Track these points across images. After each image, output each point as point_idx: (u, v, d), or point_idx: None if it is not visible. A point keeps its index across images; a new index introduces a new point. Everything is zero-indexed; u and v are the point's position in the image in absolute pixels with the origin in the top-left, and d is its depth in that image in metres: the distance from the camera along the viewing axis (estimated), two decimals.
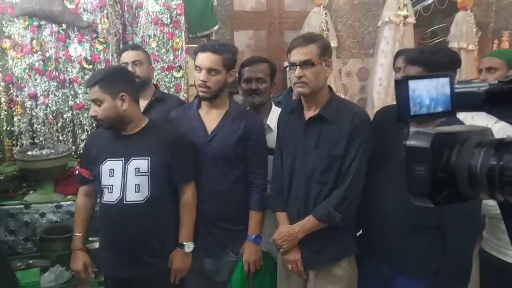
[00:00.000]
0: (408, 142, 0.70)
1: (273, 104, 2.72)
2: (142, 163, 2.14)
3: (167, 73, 3.75)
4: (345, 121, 2.05)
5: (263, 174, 2.34)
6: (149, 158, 2.15)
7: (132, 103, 2.15)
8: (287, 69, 2.13)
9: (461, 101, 0.74)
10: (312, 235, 2.11)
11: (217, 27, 4.51)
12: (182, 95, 3.80)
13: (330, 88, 2.20)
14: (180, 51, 3.78)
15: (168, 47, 3.75)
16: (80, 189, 2.36)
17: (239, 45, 6.05)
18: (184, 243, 2.21)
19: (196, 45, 4.07)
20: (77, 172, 2.60)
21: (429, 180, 0.68)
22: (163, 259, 2.21)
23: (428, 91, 0.73)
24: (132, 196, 2.13)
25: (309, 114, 2.13)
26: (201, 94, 2.28)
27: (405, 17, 4.83)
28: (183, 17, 3.80)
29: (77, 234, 2.30)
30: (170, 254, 2.22)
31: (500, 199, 0.65)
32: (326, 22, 4.78)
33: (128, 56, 2.82)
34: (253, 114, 2.41)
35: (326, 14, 4.85)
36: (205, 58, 2.21)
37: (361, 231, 2.25)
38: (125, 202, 2.13)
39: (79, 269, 2.24)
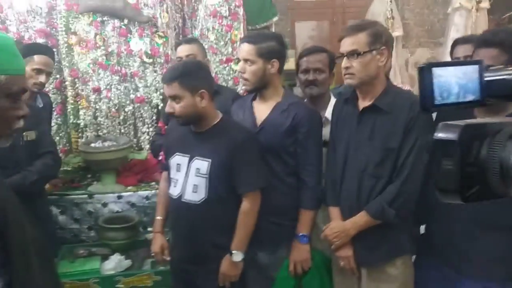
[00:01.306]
0: (435, 135, 0.67)
1: (332, 96, 2.63)
2: (203, 164, 2.10)
3: (226, 65, 3.74)
4: (402, 112, 1.94)
5: (314, 171, 2.19)
6: (210, 160, 2.09)
7: (210, 100, 2.11)
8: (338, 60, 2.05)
9: (492, 89, 0.70)
10: (365, 232, 2.02)
11: (276, 18, 4.45)
12: (240, 88, 3.77)
13: (387, 77, 2.08)
14: (238, 43, 3.75)
15: (226, 39, 3.73)
16: (163, 174, 2.39)
17: (301, 36, 5.99)
18: (233, 252, 2.13)
19: None
20: (160, 157, 2.69)
21: (458, 175, 0.64)
22: (214, 261, 2.15)
23: (456, 79, 0.69)
24: (189, 196, 2.11)
25: (363, 104, 2.03)
26: (243, 87, 2.26)
27: (478, 1, 4.51)
28: (241, 9, 3.77)
29: (157, 217, 2.35)
30: (223, 256, 2.15)
31: None
32: (391, 10, 4.58)
33: (182, 50, 2.83)
34: (304, 106, 2.29)
35: (391, 1, 4.64)
36: (241, 49, 2.20)
37: (423, 229, 2.12)
38: (182, 200, 2.12)
39: (156, 251, 2.30)
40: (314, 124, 2.22)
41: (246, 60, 2.16)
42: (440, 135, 0.66)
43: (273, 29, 4.58)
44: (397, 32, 4.56)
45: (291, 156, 2.21)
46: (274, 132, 2.18)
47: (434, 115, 1.98)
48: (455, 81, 0.69)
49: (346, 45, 1.95)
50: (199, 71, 2.14)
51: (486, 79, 0.69)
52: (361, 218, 2.01)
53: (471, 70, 0.69)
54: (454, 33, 4.65)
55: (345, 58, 1.95)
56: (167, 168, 2.30)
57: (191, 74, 2.07)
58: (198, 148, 2.13)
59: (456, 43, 2.73)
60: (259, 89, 2.22)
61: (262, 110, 2.26)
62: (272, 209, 2.23)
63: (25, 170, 2.44)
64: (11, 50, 1.15)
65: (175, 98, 2.04)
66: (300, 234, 2.20)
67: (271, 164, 2.21)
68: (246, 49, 2.16)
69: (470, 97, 0.70)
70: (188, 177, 2.12)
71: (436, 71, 0.67)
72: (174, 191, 2.17)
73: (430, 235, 2.04)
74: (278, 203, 2.23)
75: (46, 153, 2.58)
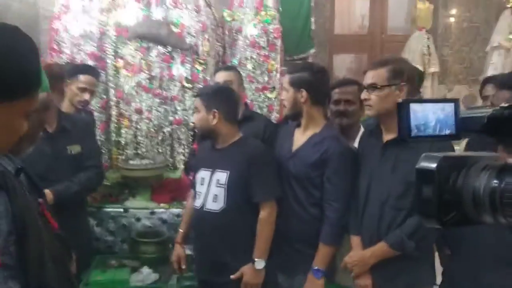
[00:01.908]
0: (417, 166, 0.73)
1: (361, 127, 2.71)
2: (222, 176, 2.28)
3: (261, 93, 3.90)
4: (424, 146, 1.99)
5: (339, 208, 2.20)
6: (228, 171, 2.28)
7: (222, 121, 2.31)
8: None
9: (465, 125, 0.76)
10: (385, 262, 2.05)
11: (313, 50, 4.60)
12: (275, 115, 3.91)
13: None
14: (274, 73, 3.92)
15: (263, 69, 3.90)
16: (191, 192, 2.59)
17: (339, 68, 6.11)
18: (255, 259, 2.25)
19: None
20: (191, 177, 2.85)
21: (436, 201, 0.69)
22: (233, 270, 2.28)
23: (434, 114, 0.76)
24: (210, 205, 2.29)
25: (387, 137, 2.10)
26: (285, 113, 2.40)
27: None
28: (279, 41, 3.94)
29: (180, 230, 2.57)
30: (241, 266, 2.28)
31: (502, 221, 0.65)
32: (428, 46, 4.63)
33: (220, 76, 2.99)
34: (338, 142, 2.29)
35: (428, 38, 4.70)
36: (284, 79, 2.36)
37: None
38: (204, 209, 2.30)
39: (173, 260, 2.51)
40: (345, 161, 2.23)
41: (283, 88, 2.35)
42: (421, 164, 0.72)
43: (310, 60, 4.74)
44: (433, 69, 4.61)
45: (317, 188, 2.26)
46: (302, 162, 2.27)
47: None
48: (432, 116, 0.76)
49: (367, 78, 2.06)
50: (219, 94, 2.39)
51: (461, 116, 0.77)
52: (380, 248, 2.05)
53: (448, 107, 0.77)
54: (492, 71, 4.66)
55: (364, 90, 2.07)
56: (193, 186, 2.46)
57: (211, 94, 2.36)
58: (218, 162, 2.32)
59: (486, 81, 2.77)
60: (293, 116, 2.35)
61: (299, 138, 2.36)
62: (294, 235, 2.32)
63: (68, 181, 2.60)
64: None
65: (195, 109, 2.37)
66: (315, 267, 2.22)
67: (295, 191, 2.29)
68: (284, 78, 2.36)
69: (446, 131, 0.77)
70: (209, 188, 2.29)
71: (413, 106, 0.75)
72: (197, 202, 2.35)
73: (453, 268, 2.06)
74: (299, 230, 2.31)
75: (91, 167, 2.74)
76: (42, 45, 5.10)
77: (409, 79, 2.08)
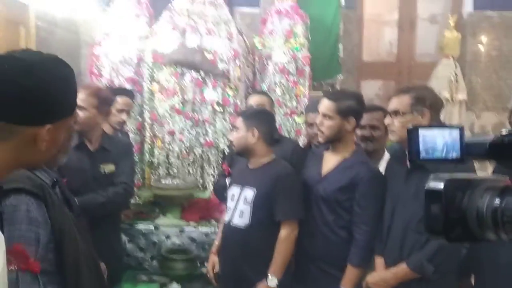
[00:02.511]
0: (426, 186, 0.80)
1: (385, 151, 2.78)
2: (249, 193, 2.40)
3: (289, 118, 4.01)
4: (446, 170, 2.05)
5: (368, 231, 2.26)
6: (255, 189, 2.38)
7: (260, 140, 2.44)
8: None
9: (470, 150, 0.84)
10: (407, 283, 2.10)
11: (341, 76, 4.70)
12: (302, 139, 4.01)
13: None
14: (303, 98, 4.04)
15: (292, 94, 4.03)
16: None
17: (367, 94, 6.15)
18: (269, 275, 2.31)
19: (319, 92, 4.33)
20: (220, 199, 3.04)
21: (443, 219, 0.76)
22: (254, 286, 2.34)
23: (441, 139, 0.84)
24: (237, 221, 2.40)
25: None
26: (320, 140, 2.43)
27: None
28: (308, 68, 4.07)
29: (216, 242, 2.69)
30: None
31: (504, 238, 0.72)
32: (455, 73, 4.68)
33: (253, 100, 3.15)
34: (368, 167, 2.36)
35: (456, 66, 4.75)
36: (322, 104, 2.37)
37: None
38: (231, 224, 2.42)
39: (208, 268, 2.65)
40: (375, 185, 2.30)
41: (325, 115, 2.33)
42: (430, 185, 0.79)
43: (337, 86, 4.84)
44: (460, 96, 4.64)
45: (346, 211, 2.33)
46: (332, 186, 2.33)
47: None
48: (440, 141, 0.84)
49: (391, 104, 2.16)
50: (260, 116, 2.52)
51: (466, 141, 0.84)
52: (401, 270, 2.11)
53: (454, 133, 0.84)
54: None
55: (388, 115, 2.16)
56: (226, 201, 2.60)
57: (253, 115, 2.50)
58: (248, 180, 2.43)
59: None
60: (331, 142, 2.39)
61: (329, 161, 2.42)
62: (320, 256, 2.38)
63: (95, 193, 2.68)
64: None
65: (235, 127, 2.49)
66: None
67: (324, 214, 2.36)
68: (326, 105, 2.33)
69: (453, 155, 0.85)
70: (237, 204, 2.41)
71: (422, 131, 0.84)
72: (226, 217, 2.48)
73: None
74: (325, 252, 2.37)
75: (120, 183, 2.86)
76: (82, 70, 5.40)
77: (431, 106, 2.15)
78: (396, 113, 2.11)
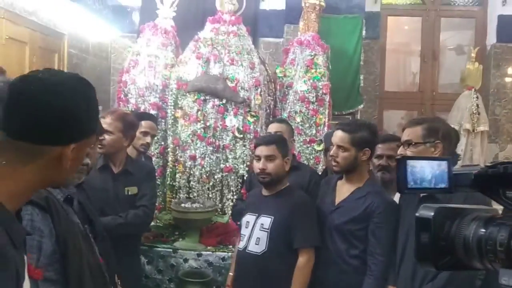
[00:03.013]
0: (417, 214, 0.83)
1: None
2: (267, 220, 2.44)
3: (309, 145, 4.07)
4: (459, 199, 2.06)
5: (382, 260, 2.25)
6: (273, 217, 2.43)
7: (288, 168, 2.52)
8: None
9: (457, 180, 0.87)
10: None
11: (362, 106, 4.75)
12: (321, 167, 4.05)
13: None
14: (322, 126, 4.10)
15: (311, 122, 4.10)
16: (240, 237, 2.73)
17: (389, 124, 6.19)
18: None
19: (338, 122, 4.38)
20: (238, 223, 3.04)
21: (431, 247, 0.79)
22: None
23: (430, 170, 0.87)
24: (253, 247, 2.43)
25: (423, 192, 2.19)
26: (335, 169, 2.46)
27: None
28: (328, 96, 4.15)
29: (230, 273, 2.70)
30: None
31: (489, 267, 0.74)
32: (477, 105, 4.67)
33: (273, 127, 3.21)
34: (382, 196, 2.37)
35: (477, 97, 4.75)
36: (336, 135, 2.41)
37: None
38: (246, 251, 2.45)
39: None
40: (389, 215, 2.31)
41: (339, 147, 2.36)
42: (420, 213, 0.82)
43: (359, 116, 4.89)
44: (482, 127, 4.63)
45: (360, 240, 2.34)
46: (346, 215, 2.35)
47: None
48: (428, 172, 0.87)
49: (404, 135, 2.18)
50: (286, 144, 2.60)
51: (454, 172, 0.87)
52: None
53: (442, 164, 0.88)
54: None
55: (401, 146, 2.19)
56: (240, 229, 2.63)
57: (285, 144, 2.55)
58: (264, 208, 2.47)
59: None
60: (346, 172, 2.42)
61: (343, 191, 2.45)
62: (332, 284, 2.39)
63: (117, 215, 2.77)
64: None
65: (270, 157, 2.46)
66: None
67: (337, 243, 2.37)
68: (341, 137, 2.36)
69: (441, 185, 0.88)
70: (253, 231, 2.44)
71: (410, 162, 0.87)
72: (241, 244, 2.50)
73: None
74: (338, 280, 2.37)
75: (141, 206, 2.93)
76: (112, 95, 5.61)
77: (444, 137, 2.18)
78: (408, 143, 2.15)
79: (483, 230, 0.75)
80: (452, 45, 6.55)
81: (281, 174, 2.48)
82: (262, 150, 2.49)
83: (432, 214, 0.80)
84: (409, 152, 2.13)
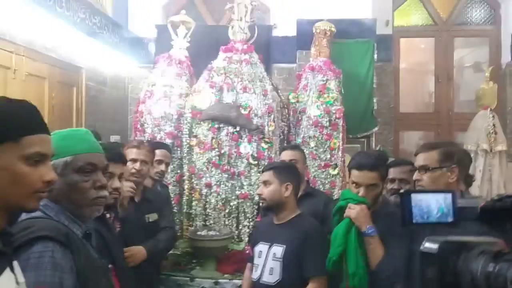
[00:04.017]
0: (421, 247, 0.81)
1: None
2: (279, 250, 2.44)
3: (323, 170, 4.07)
4: (472, 228, 2.04)
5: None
6: (285, 246, 2.43)
7: (292, 195, 2.52)
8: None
9: (462, 214, 0.87)
10: None
11: (376, 128, 4.75)
12: (337, 192, 4.04)
13: (461, 192, 2.22)
14: (336, 150, 4.11)
15: (325, 147, 4.11)
16: (248, 265, 2.75)
17: (409, 144, 6.17)
18: None
19: (355, 145, 4.38)
20: (247, 251, 3.05)
21: (437, 282, 0.77)
22: None
23: (434, 203, 0.87)
24: (267, 278, 2.42)
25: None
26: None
27: None
28: (341, 121, 4.16)
29: None
30: None
31: None
32: (494, 125, 4.63)
33: (286, 155, 3.24)
34: (398, 216, 2.44)
35: (493, 117, 4.70)
36: (363, 176, 2.31)
37: None
38: (260, 281, 2.44)
39: None
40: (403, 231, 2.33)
41: (369, 185, 2.30)
42: (424, 247, 0.80)
43: (373, 138, 4.89)
44: (500, 147, 4.57)
45: None
46: None
47: None
48: (433, 205, 0.87)
49: (419, 160, 2.17)
50: (290, 170, 2.61)
51: (458, 205, 0.87)
52: None
53: (447, 197, 0.87)
54: None
55: (416, 171, 2.17)
56: (251, 259, 2.62)
57: (285, 169, 2.57)
58: (276, 237, 2.47)
59: None
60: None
61: None
62: None
63: (154, 239, 2.89)
64: (76, 137, 1.48)
65: (266, 182, 2.50)
66: None
67: None
68: (369, 176, 2.30)
69: (445, 219, 0.87)
70: (266, 261, 2.43)
71: (415, 196, 0.87)
72: (255, 275, 2.49)
73: None
74: None
75: (167, 228, 3.05)
76: (129, 124, 5.73)
77: (459, 162, 2.17)
78: (424, 168, 2.14)
79: (492, 265, 0.73)
80: (469, 62, 6.53)
81: (277, 199, 2.49)
82: (262, 176, 2.59)
83: (437, 248, 0.78)
84: (425, 177, 2.12)
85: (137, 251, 2.70)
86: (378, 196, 2.39)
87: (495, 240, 0.82)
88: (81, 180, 1.40)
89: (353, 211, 2.25)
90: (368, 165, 2.32)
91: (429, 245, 0.79)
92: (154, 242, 2.87)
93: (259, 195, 2.57)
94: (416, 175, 2.17)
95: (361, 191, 2.31)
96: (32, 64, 3.96)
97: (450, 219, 0.88)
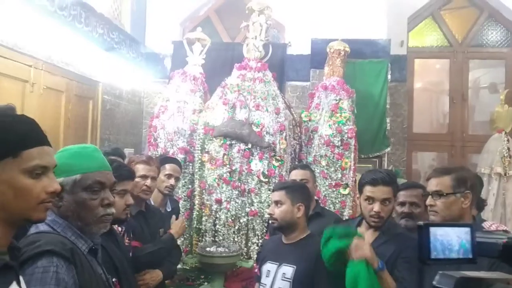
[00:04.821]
0: (435, 282, 0.77)
1: None
2: (289, 270, 2.41)
3: (334, 189, 4.07)
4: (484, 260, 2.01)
5: None
6: (295, 266, 2.40)
7: (303, 216, 2.50)
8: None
9: (481, 250, 0.83)
10: None
11: (389, 149, 4.73)
12: (347, 211, 4.03)
13: (473, 217, 2.20)
14: (348, 170, 4.10)
15: (337, 166, 4.11)
16: (256, 285, 2.72)
17: (423, 164, 6.13)
18: None
19: (367, 165, 4.37)
20: (256, 270, 3.04)
21: None
22: None
23: (454, 237, 0.83)
24: None
25: None
26: (372, 224, 2.39)
27: None
28: (353, 140, 4.17)
29: None
30: None
31: None
32: (508, 148, 4.58)
33: (298, 174, 3.24)
34: (407, 237, 2.37)
35: (508, 140, 4.66)
36: (377, 191, 2.33)
37: None
38: None
39: None
40: (414, 255, 2.31)
41: (384, 199, 2.31)
42: (437, 283, 0.76)
43: (385, 159, 4.87)
44: None
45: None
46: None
47: None
48: (453, 240, 0.82)
49: (432, 185, 2.15)
50: (303, 190, 2.57)
51: (477, 240, 0.83)
52: None
53: (466, 231, 0.83)
54: None
55: (429, 196, 2.14)
56: (258, 278, 2.61)
57: (296, 189, 2.52)
58: (285, 256, 2.44)
59: None
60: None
61: (365, 238, 2.38)
62: None
63: (168, 262, 2.87)
64: (85, 155, 1.49)
65: (278, 202, 2.47)
66: None
67: None
68: (384, 190, 2.32)
69: (468, 255, 0.82)
70: (275, 281, 2.41)
71: (433, 230, 0.82)
72: None
73: None
74: None
75: (177, 248, 3.06)
76: (143, 138, 5.80)
77: (472, 187, 2.16)
78: (438, 194, 2.12)
79: None
80: (484, 83, 6.50)
81: (288, 220, 2.46)
82: (273, 195, 2.55)
83: (454, 285, 0.74)
84: (439, 203, 2.10)
85: (156, 276, 2.73)
86: (391, 213, 2.37)
87: (510, 277, 0.80)
88: (89, 198, 1.44)
89: (365, 249, 2.15)
90: (382, 180, 2.33)
91: (444, 282, 0.76)
92: (169, 265, 2.87)
93: (270, 215, 2.52)
94: (429, 201, 2.14)
95: (376, 207, 2.31)
96: (50, 78, 4.05)
97: (468, 256, 0.84)
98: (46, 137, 1.18)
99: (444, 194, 2.09)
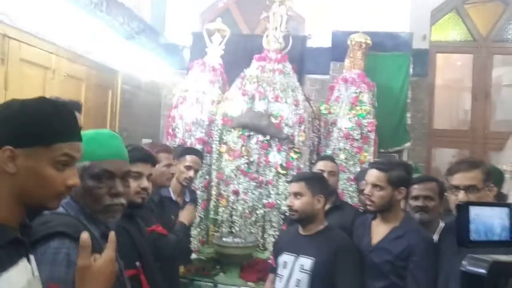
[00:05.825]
0: (463, 268, 0.72)
1: (440, 222, 2.70)
2: (307, 262, 2.38)
3: (352, 183, 4.02)
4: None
5: None
6: (314, 258, 2.37)
7: (323, 207, 2.48)
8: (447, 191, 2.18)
9: None
10: None
11: (409, 143, 4.66)
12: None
13: None
14: (367, 164, 4.04)
15: (356, 160, 4.07)
16: (270, 275, 2.73)
17: (440, 162, 6.03)
18: None
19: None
20: (269, 260, 3.03)
21: None
22: None
23: (496, 219, 0.77)
24: None
25: None
26: (367, 206, 2.43)
27: None
28: (373, 134, 4.11)
29: None
30: None
31: None
32: None
33: (326, 165, 3.17)
34: (420, 234, 2.33)
35: None
36: (371, 174, 2.38)
37: None
38: None
39: None
40: (429, 255, 2.25)
41: (375, 186, 2.34)
42: (468, 268, 0.70)
43: (405, 154, 4.80)
44: None
45: (400, 278, 2.27)
46: (384, 256, 2.30)
47: None
48: (494, 221, 0.76)
49: (464, 179, 2.08)
50: (323, 182, 2.55)
51: None
52: None
53: (505, 211, 0.77)
54: None
55: (462, 192, 2.07)
56: (273, 269, 2.59)
57: (316, 180, 2.50)
58: (304, 248, 2.41)
59: None
60: (381, 211, 2.39)
61: (379, 231, 2.41)
62: None
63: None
64: (99, 141, 1.46)
65: (298, 194, 2.44)
66: None
67: (375, 282, 2.31)
68: (377, 175, 2.35)
69: (508, 237, 0.76)
70: (292, 273, 2.39)
71: (473, 209, 0.75)
72: (278, 286, 2.44)
73: None
74: None
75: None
76: (161, 128, 5.82)
77: (496, 181, 2.12)
78: (472, 189, 2.06)
79: None
80: (507, 81, 6.36)
81: (308, 212, 2.43)
82: (291, 187, 2.51)
83: (486, 270, 0.69)
84: (473, 198, 2.02)
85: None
86: (388, 202, 2.33)
87: None
88: (95, 187, 1.42)
89: None
90: (378, 165, 2.40)
91: (475, 266, 0.70)
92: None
93: (290, 206, 2.49)
94: (461, 196, 2.05)
95: (367, 189, 2.35)
96: (71, 66, 4.07)
97: (507, 238, 0.78)
98: (80, 133, 1.19)
99: (479, 188, 2.04)
